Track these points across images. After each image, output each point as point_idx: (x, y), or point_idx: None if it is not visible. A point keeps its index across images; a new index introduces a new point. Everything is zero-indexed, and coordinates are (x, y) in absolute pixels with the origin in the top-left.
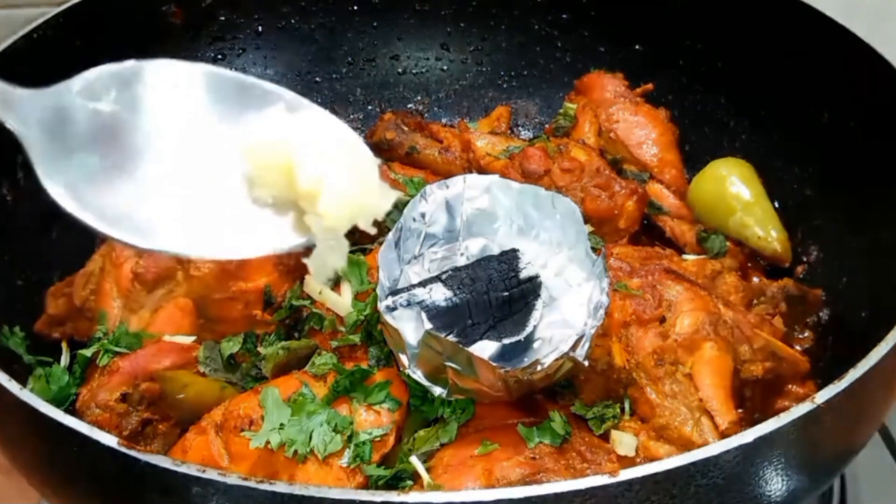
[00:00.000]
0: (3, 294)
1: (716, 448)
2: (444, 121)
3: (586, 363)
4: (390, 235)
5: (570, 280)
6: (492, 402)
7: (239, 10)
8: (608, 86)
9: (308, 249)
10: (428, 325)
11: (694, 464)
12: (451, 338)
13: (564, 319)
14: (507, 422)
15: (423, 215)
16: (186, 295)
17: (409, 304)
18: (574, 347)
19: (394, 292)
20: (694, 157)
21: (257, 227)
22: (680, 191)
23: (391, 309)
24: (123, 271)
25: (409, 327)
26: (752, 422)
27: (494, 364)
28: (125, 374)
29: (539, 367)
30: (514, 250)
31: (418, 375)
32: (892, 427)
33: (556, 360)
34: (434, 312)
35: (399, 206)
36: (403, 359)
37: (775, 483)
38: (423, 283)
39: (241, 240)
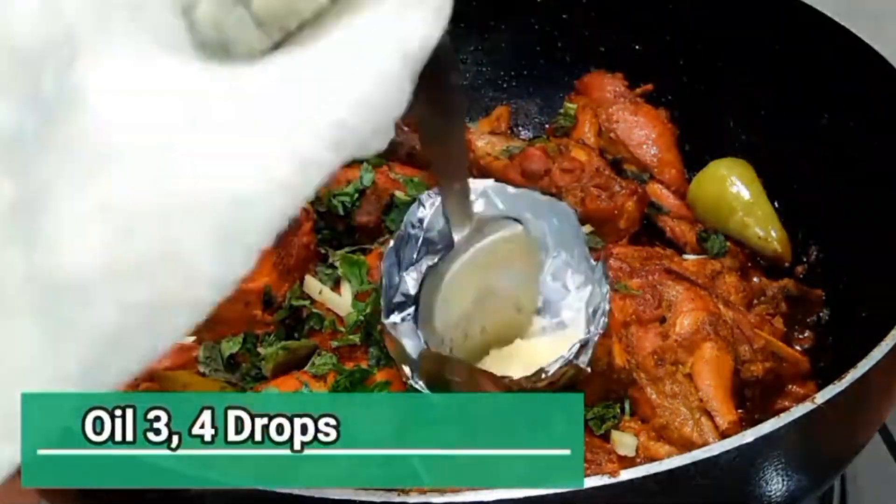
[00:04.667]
0: None
1: (716, 448)
2: None
3: (589, 370)
4: (392, 242)
5: (567, 284)
6: None
7: None
8: (608, 86)
9: None
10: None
11: (694, 464)
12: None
13: (563, 324)
14: None
15: (420, 221)
16: None
17: (413, 318)
18: (577, 355)
19: (399, 307)
20: (694, 157)
21: None
22: (680, 191)
23: (396, 324)
24: None
25: (410, 342)
26: (752, 422)
27: (498, 375)
28: None
29: (544, 376)
30: None
31: (420, 386)
32: (892, 427)
33: (561, 367)
34: None
35: (399, 206)
36: (406, 369)
37: (776, 483)
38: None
39: None
